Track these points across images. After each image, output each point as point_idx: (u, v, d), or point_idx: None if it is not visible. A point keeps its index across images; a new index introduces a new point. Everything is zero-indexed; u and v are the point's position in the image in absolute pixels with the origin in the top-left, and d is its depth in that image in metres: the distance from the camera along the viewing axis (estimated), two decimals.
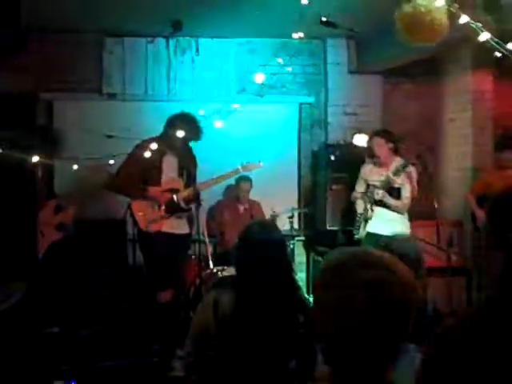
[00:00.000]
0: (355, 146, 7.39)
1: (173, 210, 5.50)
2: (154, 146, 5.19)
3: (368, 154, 6.15)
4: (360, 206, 6.00)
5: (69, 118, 7.02)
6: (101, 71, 7.30)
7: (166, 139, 5.44)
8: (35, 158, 4.11)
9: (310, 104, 7.82)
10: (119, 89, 7.33)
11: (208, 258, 5.44)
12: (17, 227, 4.14)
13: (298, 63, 7.65)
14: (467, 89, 7.38)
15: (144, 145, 5.31)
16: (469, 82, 7.35)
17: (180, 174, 5.64)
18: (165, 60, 7.43)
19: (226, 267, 6.00)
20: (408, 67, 7.34)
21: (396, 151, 5.94)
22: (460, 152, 7.47)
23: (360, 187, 6.15)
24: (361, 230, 5.90)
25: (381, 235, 5.80)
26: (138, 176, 5.44)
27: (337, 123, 7.74)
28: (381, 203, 5.81)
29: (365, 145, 7.32)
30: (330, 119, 7.77)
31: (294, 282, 3.02)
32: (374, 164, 6.04)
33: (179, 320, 5.18)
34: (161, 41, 7.40)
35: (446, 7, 3.66)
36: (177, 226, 5.54)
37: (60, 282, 5.47)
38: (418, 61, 7.06)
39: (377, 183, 5.87)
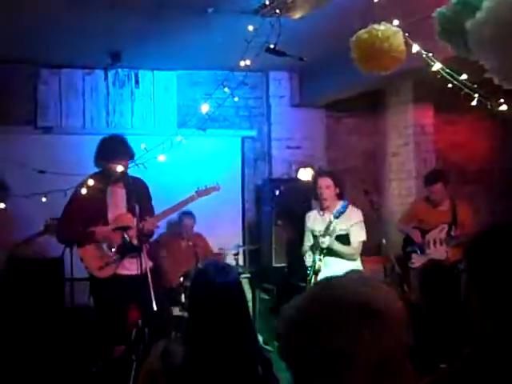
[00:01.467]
0: (300, 180, 7.33)
1: (125, 249, 5.05)
2: (91, 182, 4.75)
3: (313, 195, 5.81)
4: (309, 259, 5.69)
5: (1, 151, 6.68)
6: (36, 103, 7.00)
7: (103, 171, 5.06)
8: None
9: (252, 138, 7.70)
10: (55, 122, 7.04)
11: (151, 297, 5.10)
12: None
13: (241, 96, 7.53)
14: (408, 123, 7.43)
15: (83, 184, 4.83)
16: (410, 115, 7.39)
17: (129, 208, 5.11)
18: (103, 92, 7.21)
19: (170, 307, 5.77)
20: (351, 101, 7.33)
21: (340, 197, 5.56)
22: (403, 187, 7.47)
23: (308, 241, 5.71)
24: (312, 283, 5.56)
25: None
26: (83, 220, 5.03)
27: (280, 157, 7.64)
28: (329, 251, 5.42)
29: (310, 179, 7.22)
30: (273, 153, 7.67)
31: (252, 329, 2.81)
32: (318, 212, 5.70)
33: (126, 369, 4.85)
34: (99, 72, 7.17)
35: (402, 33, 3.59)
36: (131, 267, 4.99)
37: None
38: (361, 94, 7.05)
39: (322, 232, 5.45)
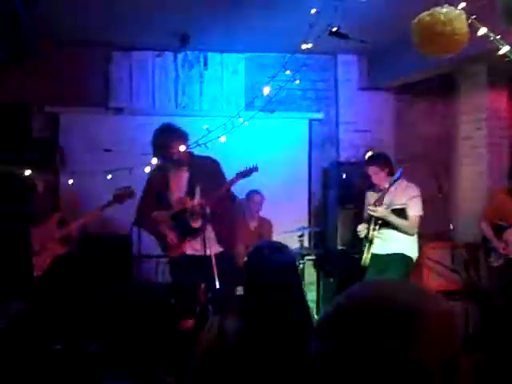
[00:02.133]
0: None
1: (185, 232, 5.17)
2: (155, 167, 4.85)
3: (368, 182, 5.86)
4: (362, 229, 5.75)
5: (75, 131, 6.88)
6: (107, 85, 7.16)
7: (164, 157, 5.06)
8: (28, 172, 3.93)
9: (320, 120, 7.65)
10: (126, 103, 7.18)
11: (215, 277, 5.17)
12: (12, 245, 3.96)
13: (309, 79, 7.50)
14: (482, 106, 7.22)
15: (152, 171, 4.96)
16: (484, 99, 7.19)
17: (190, 191, 5.22)
18: (172, 74, 7.30)
19: (238, 287, 5.81)
20: (421, 84, 7.19)
21: (389, 173, 5.63)
22: (475, 172, 7.29)
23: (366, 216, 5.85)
24: (365, 254, 5.61)
25: (386, 255, 5.59)
26: (152, 205, 5.19)
27: (348, 140, 7.57)
28: (385, 224, 5.50)
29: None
30: (341, 136, 7.60)
31: (307, 309, 2.81)
32: (374, 191, 5.80)
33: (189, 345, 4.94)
34: (168, 55, 7.27)
35: (466, 16, 3.48)
36: (197, 247, 5.11)
37: (62, 297, 5.24)
38: (432, 78, 6.90)
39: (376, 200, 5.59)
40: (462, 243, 6.62)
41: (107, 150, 4.66)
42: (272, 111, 6.16)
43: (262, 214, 6.78)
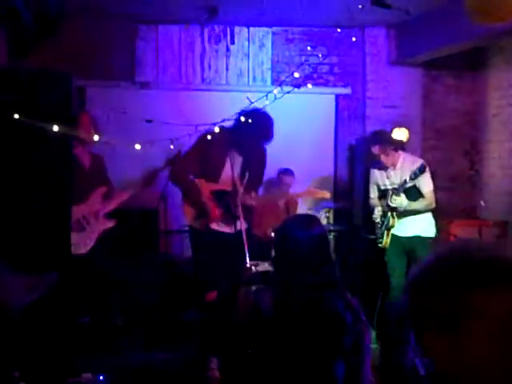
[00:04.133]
0: (394, 139, 7.18)
1: (226, 212, 5.13)
2: (220, 138, 4.89)
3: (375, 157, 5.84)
4: (379, 214, 5.74)
5: (101, 105, 6.87)
6: (134, 59, 7.14)
7: (234, 134, 5.02)
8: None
9: (347, 95, 7.58)
10: (152, 77, 7.17)
11: (245, 252, 5.17)
12: (50, 216, 3.98)
13: (336, 53, 7.42)
14: None
15: (209, 136, 4.91)
16: None
17: (242, 175, 5.20)
18: (199, 48, 7.26)
19: (259, 262, 5.82)
20: (449, 59, 7.08)
21: (396, 150, 5.66)
22: (504, 149, 7.18)
23: (373, 193, 5.90)
24: (384, 238, 5.64)
25: (405, 237, 5.59)
26: (196, 169, 5.12)
27: (375, 116, 7.50)
28: (405, 212, 5.51)
29: (404, 139, 7.09)
30: (368, 111, 7.52)
31: (337, 278, 2.80)
32: (379, 169, 5.77)
33: (217, 318, 4.97)
34: (195, 28, 7.22)
35: None
36: (227, 225, 5.12)
37: (92, 271, 5.24)
38: (460, 52, 6.79)
39: (388, 186, 5.64)
40: (491, 221, 6.55)
41: (148, 121, 4.65)
42: (299, 86, 6.13)
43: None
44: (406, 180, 5.37)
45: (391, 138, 5.72)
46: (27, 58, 6.49)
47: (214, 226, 5.19)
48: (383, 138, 5.69)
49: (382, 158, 5.60)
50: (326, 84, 7.49)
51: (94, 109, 6.83)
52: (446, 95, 7.69)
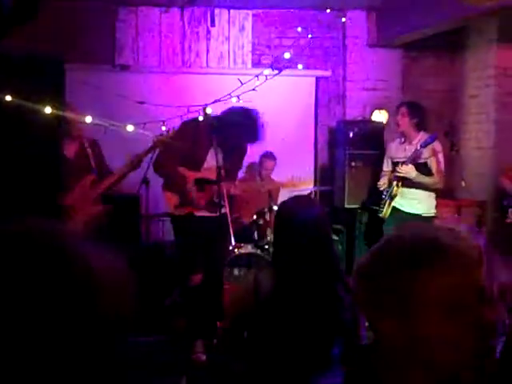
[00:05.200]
0: (374, 122, 7.24)
1: (210, 200, 5.14)
2: (203, 127, 4.93)
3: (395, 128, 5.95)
4: (384, 182, 5.82)
5: (81, 88, 6.82)
6: (113, 42, 7.09)
7: (218, 131, 5.01)
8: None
9: (327, 78, 7.60)
10: (132, 60, 7.12)
11: (229, 235, 5.19)
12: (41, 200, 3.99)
13: (316, 36, 7.42)
14: (490, 63, 7.16)
15: (192, 125, 4.97)
16: (492, 56, 7.11)
17: (224, 165, 5.10)
18: (179, 31, 7.22)
19: (242, 244, 5.86)
20: (427, 40, 7.10)
21: (419, 128, 5.73)
22: (481, 130, 7.26)
23: (386, 166, 5.99)
24: (385, 207, 5.73)
25: (407, 213, 5.67)
26: (179, 159, 5.08)
27: (355, 98, 7.53)
28: (411, 182, 5.58)
29: (384, 121, 7.15)
30: (348, 94, 7.55)
31: (336, 260, 2.85)
32: (399, 141, 5.85)
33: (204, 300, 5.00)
34: (175, 11, 7.17)
35: None
36: (209, 212, 5.11)
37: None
38: (440, 33, 6.82)
39: (401, 159, 5.68)
40: (471, 201, 6.63)
41: (140, 103, 4.65)
42: (280, 69, 6.15)
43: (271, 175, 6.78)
44: (417, 147, 5.46)
45: (419, 111, 5.74)
46: (2, 40, 6.41)
47: (198, 213, 5.19)
48: (411, 105, 5.78)
49: (400, 119, 5.68)
50: (305, 66, 7.49)
51: (74, 92, 6.80)
52: (426, 76, 7.73)
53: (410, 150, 5.64)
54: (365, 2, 7.00)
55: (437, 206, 5.83)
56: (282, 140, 7.07)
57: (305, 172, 7.28)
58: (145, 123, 4.69)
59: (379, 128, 7.02)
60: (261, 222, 6.10)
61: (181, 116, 5.17)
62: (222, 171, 4.98)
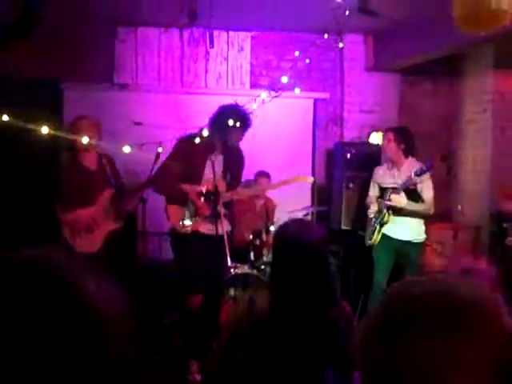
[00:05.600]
0: (371, 144, 7.26)
1: (212, 212, 5.12)
2: (197, 140, 4.95)
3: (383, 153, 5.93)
4: (373, 210, 5.81)
5: (79, 107, 6.83)
6: (113, 61, 7.12)
7: (213, 136, 5.05)
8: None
9: (325, 100, 7.63)
10: (131, 79, 7.15)
11: (227, 255, 5.15)
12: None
13: (314, 58, 7.46)
14: (487, 89, 7.21)
15: (188, 142, 5.01)
16: (489, 81, 7.17)
17: (224, 176, 5.21)
18: (178, 51, 7.26)
19: (238, 264, 5.83)
20: (426, 65, 7.16)
21: (407, 153, 5.69)
22: (478, 155, 7.29)
23: (373, 191, 5.96)
24: (375, 234, 5.70)
25: (397, 240, 5.66)
26: (178, 176, 5.08)
27: (352, 121, 7.56)
28: (400, 210, 5.57)
29: (381, 143, 7.16)
30: (345, 116, 7.59)
31: (333, 284, 2.84)
32: (387, 167, 5.83)
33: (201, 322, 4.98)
34: (174, 32, 7.22)
35: None
36: (211, 227, 5.06)
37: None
38: (438, 59, 6.88)
39: (390, 185, 5.67)
40: (465, 225, 6.64)
41: (137, 124, 4.65)
42: (277, 91, 6.18)
43: (267, 193, 6.78)
44: (411, 176, 5.38)
45: (406, 136, 5.72)
46: (2, 60, 6.44)
47: (199, 228, 5.18)
48: (398, 130, 5.75)
49: (388, 147, 5.63)
50: (304, 89, 7.52)
51: (72, 111, 6.82)
52: (423, 100, 7.78)
53: (399, 176, 5.62)
54: (362, 26, 7.04)
55: (427, 231, 5.83)
56: (280, 160, 7.08)
57: (301, 193, 7.29)
58: (142, 144, 4.69)
59: (376, 150, 7.03)
60: (257, 242, 6.08)
61: (178, 138, 5.19)
62: (221, 182, 5.04)
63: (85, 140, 4.68)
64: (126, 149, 4.59)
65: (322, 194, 7.51)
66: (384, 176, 5.81)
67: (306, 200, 7.32)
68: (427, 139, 7.56)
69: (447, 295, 1.08)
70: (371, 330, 1.12)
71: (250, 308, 2.60)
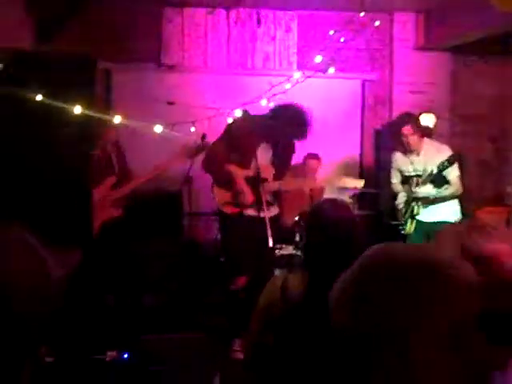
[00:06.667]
0: (421, 126, 7.10)
1: (257, 198, 5.02)
2: (252, 126, 4.94)
3: (398, 141, 5.75)
4: (402, 200, 5.72)
5: (127, 87, 6.87)
6: (160, 41, 7.12)
7: (268, 128, 5.04)
8: None
9: (373, 81, 7.50)
10: (178, 60, 7.14)
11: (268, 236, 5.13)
12: (71, 195, 4.00)
13: (363, 38, 7.33)
14: None
15: (241, 125, 4.98)
16: None
17: (272, 162, 5.17)
18: (225, 31, 7.21)
19: (283, 245, 5.80)
20: (478, 44, 6.95)
21: (423, 135, 5.62)
22: None
23: (395, 178, 5.87)
24: (408, 225, 5.59)
25: (431, 223, 5.53)
26: (228, 155, 5.07)
27: (402, 102, 7.40)
28: (430, 200, 5.48)
29: (431, 125, 7.01)
30: (394, 97, 7.44)
31: None
32: (404, 152, 5.69)
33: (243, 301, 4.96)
34: (221, 12, 7.17)
35: None
36: (256, 211, 4.98)
37: (116, 253, 5.26)
38: (490, 38, 6.67)
39: (412, 173, 5.59)
40: None
41: (170, 103, 4.62)
42: (324, 71, 6.07)
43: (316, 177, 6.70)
44: (432, 171, 5.29)
45: (420, 122, 5.65)
46: (53, 41, 6.50)
47: (247, 211, 5.16)
48: (415, 120, 5.63)
49: (411, 139, 5.52)
50: (352, 69, 7.41)
51: (119, 92, 6.86)
52: (475, 81, 7.57)
53: (418, 161, 5.54)
54: (413, 4, 6.89)
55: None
56: (328, 142, 7.00)
57: (350, 174, 7.19)
58: (174, 124, 4.65)
59: (426, 131, 6.88)
60: (302, 223, 6.02)
61: (225, 114, 5.14)
62: (269, 169, 4.95)
63: (117, 119, 4.65)
64: (158, 128, 4.56)
65: (370, 175, 7.42)
66: (404, 162, 5.72)
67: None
68: (478, 120, 7.38)
69: (417, 260, 1.12)
70: (343, 290, 1.23)
71: (283, 289, 2.57)
